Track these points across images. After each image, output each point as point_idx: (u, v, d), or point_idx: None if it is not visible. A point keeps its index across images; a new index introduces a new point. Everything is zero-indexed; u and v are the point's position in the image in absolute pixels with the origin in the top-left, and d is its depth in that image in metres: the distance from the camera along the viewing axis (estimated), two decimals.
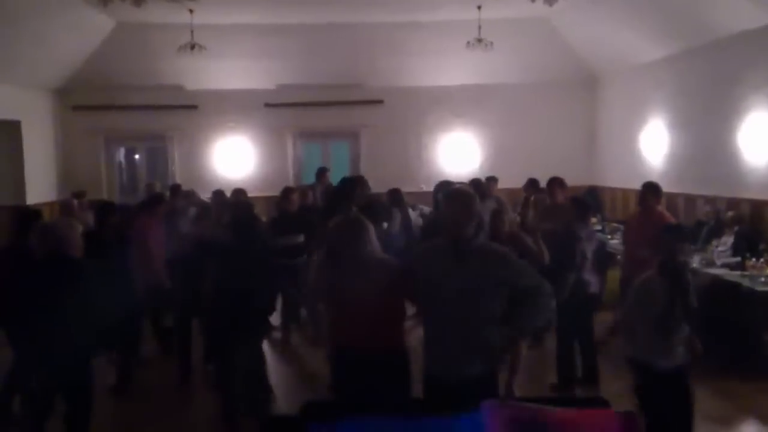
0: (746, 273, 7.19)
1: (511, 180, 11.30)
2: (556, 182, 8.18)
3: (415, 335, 4.12)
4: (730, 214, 8.62)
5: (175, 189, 10.22)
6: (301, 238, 7.92)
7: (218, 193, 9.65)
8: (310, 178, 12.41)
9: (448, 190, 4.18)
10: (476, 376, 3.59)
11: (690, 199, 10.34)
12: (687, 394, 4.45)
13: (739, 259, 7.58)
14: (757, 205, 8.76)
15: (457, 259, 3.59)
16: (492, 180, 10.54)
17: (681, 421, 4.39)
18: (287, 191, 8.52)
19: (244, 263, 5.48)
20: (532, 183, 9.80)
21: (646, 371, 4.46)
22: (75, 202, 9.45)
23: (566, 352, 6.47)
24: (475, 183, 8.15)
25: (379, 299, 3.83)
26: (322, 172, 11.04)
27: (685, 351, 4.44)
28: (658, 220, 6.81)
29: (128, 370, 6.77)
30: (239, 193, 9.44)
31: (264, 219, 8.93)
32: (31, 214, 6.32)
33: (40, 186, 12.08)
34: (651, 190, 7.18)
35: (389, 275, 3.89)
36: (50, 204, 11.91)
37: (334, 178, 11.57)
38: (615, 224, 10.38)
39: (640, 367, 4.50)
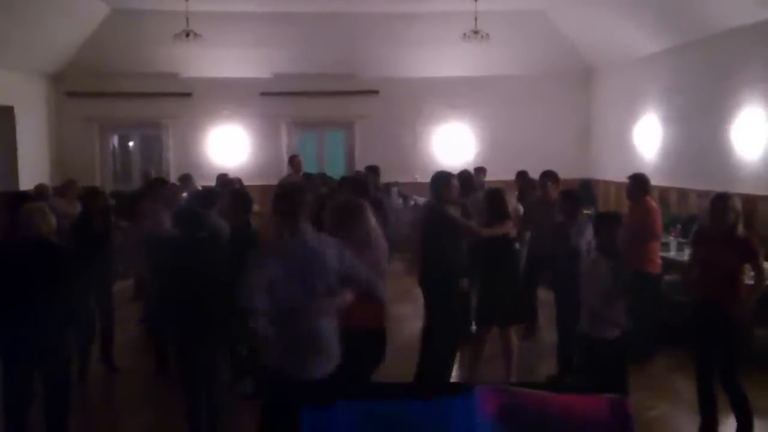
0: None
1: (505, 172, 11.29)
2: (548, 176, 8.03)
3: None
4: None
5: (186, 178, 10.09)
6: None
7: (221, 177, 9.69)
8: (305, 168, 12.39)
9: None
10: None
11: (683, 193, 10.39)
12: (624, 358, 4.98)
13: None
14: (749, 200, 8.80)
15: None
16: (480, 170, 10.55)
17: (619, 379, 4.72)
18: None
19: (189, 257, 4.93)
20: (521, 175, 9.73)
21: (595, 342, 4.87)
22: (49, 189, 9.39)
23: (567, 344, 6.37)
24: (463, 176, 8.09)
25: None
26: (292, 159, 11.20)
27: (627, 321, 4.91)
28: (644, 212, 6.85)
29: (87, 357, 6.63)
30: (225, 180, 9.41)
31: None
32: (17, 197, 6.30)
33: (33, 172, 12.01)
34: (638, 182, 7.19)
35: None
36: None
37: (329, 167, 11.66)
38: None
39: (588, 338, 4.91)
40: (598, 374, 4.75)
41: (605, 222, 5.17)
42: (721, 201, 5.00)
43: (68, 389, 4.93)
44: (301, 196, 3.80)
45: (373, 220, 4.63)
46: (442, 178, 6.19)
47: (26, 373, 4.72)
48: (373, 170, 10.36)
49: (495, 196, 6.23)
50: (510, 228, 6.16)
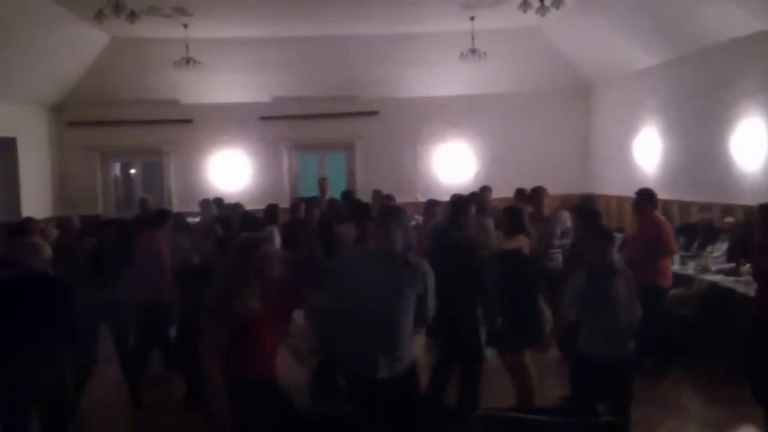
0: (740, 279, 7.21)
1: (507, 189, 11.30)
2: (542, 192, 8.15)
3: None
4: (730, 220, 8.65)
5: (219, 201, 10.77)
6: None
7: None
8: (306, 191, 12.51)
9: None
10: None
11: (685, 206, 10.38)
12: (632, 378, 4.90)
13: (733, 265, 7.61)
14: (750, 211, 8.78)
15: None
16: (486, 189, 10.59)
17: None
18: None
19: None
20: (520, 193, 9.84)
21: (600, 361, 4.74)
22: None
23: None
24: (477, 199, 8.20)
25: None
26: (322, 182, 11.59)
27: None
28: (656, 226, 6.84)
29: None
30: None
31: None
32: (16, 227, 6.32)
33: (35, 202, 12.06)
34: (646, 196, 7.19)
35: None
36: (46, 220, 11.90)
37: (331, 189, 11.75)
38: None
39: (593, 357, 4.78)
40: (602, 396, 4.65)
41: (595, 239, 5.06)
42: None
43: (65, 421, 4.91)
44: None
45: None
46: (460, 203, 6.14)
47: (22, 411, 4.63)
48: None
49: (514, 212, 6.22)
50: (523, 243, 6.05)
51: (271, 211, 8.70)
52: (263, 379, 3.86)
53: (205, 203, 10.55)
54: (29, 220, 7.43)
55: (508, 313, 5.93)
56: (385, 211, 4.47)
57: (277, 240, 8.48)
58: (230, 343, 3.68)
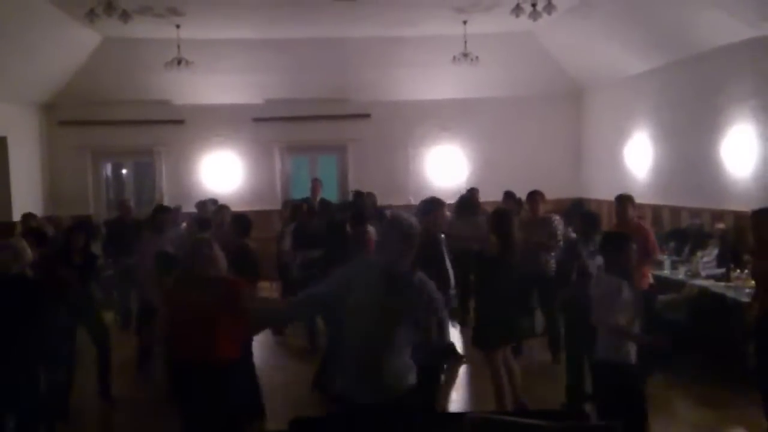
0: (731, 284, 7.26)
1: (498, 193, 11.35)
2: (538, 195, 8.21)
3: None
4: (720, 225, 8.70)
5: (214, 202, 10.92)
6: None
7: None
8: (298, 193, 12.50)
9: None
10: None
11: (675, 211, 10.42)
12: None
13: (723, 270, 7.65)
14: (740, 217, 8.84)
15: None
16: (475, 190, 10.71)
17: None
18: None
19: None
20: (509, 195, 9.93)
21: (618, 368, 4.64)
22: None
23: (575, 370, 6.30)
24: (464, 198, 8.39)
25: None
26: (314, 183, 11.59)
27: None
28: (635, 231, 6.87)
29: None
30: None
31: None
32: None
33: (26, 202, 11.98)
34: (627, 201, 7.24)
35: None
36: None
37: (323, 191, 11.78)
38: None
39: (610, 365, 4.67)
40: (618, 401, 4.54)
41: (617, 242, 4.99)
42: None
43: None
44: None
45: None
46: (426, 207, 6.16)
47: None
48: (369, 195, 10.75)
49: (502, 215, 6.28)
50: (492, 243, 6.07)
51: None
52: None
53: (201, 204, 10.90)
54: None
55: (483, 311, 6.01)
56: (387, 220, 4.05)
57: (288, 241, 8.57)
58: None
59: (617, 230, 6.70)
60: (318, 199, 11.14)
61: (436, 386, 5.84)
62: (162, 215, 7.76)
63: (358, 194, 10.97)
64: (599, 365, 4.78)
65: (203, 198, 11.58)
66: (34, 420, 4.87)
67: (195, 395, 4.46)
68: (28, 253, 4.98)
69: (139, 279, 7.49)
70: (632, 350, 4.66)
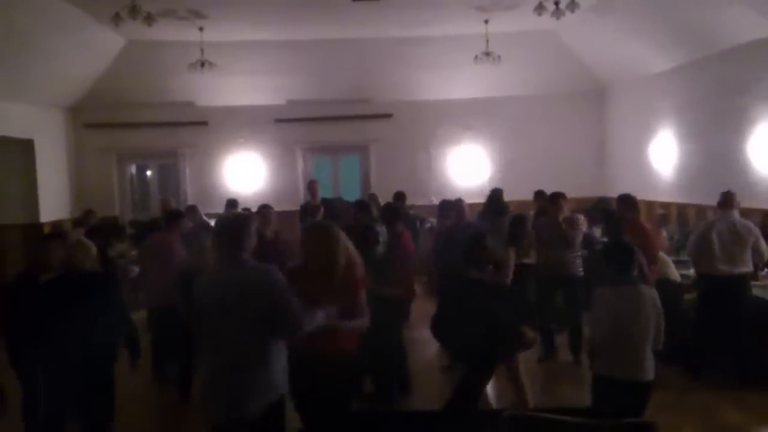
0: (758, 283, 7.17)
1: (521, 192, 11.33)
2: (561, 197, 8.15)
3: None
4: None
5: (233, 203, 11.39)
6: None
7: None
8: (321, 193, 12.50)
9: None
10: None
11: (701, 210, 10.31)
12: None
13: (751, 269, 7.54)
14: (767, 215, 8.73)
15: None
16: (499, 191, 10.63)
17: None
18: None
19: None
20: (540, 194, 9.88)
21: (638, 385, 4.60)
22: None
23: None
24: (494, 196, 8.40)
25: None
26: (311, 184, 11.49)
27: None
28: (639, 232, 6.81)
29: None
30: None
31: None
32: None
33: (53, 204, 12.18)
34: (628, 203, 7.16)
35: None
36: (63, 222, 12.03)
37: (345, 192, 11.79)
38: None
39: (628, 382, 4.60)
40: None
41: (621, 255, 4.80)
42: None
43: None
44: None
45: (349, 246, 4.28)
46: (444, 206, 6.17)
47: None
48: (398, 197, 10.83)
49: (518, 221, 6.25)
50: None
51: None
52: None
53: (230, 203, 11.42)
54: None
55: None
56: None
57: None
58: None
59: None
60: (318, 199, 11.10)
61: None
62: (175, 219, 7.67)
63: (371, 197, 11.04)
64: (613, 383, 4.58)
65: (228, 198, 11.89)
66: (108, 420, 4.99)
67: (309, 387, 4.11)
68: (94, 249, 5.06)
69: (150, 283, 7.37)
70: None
